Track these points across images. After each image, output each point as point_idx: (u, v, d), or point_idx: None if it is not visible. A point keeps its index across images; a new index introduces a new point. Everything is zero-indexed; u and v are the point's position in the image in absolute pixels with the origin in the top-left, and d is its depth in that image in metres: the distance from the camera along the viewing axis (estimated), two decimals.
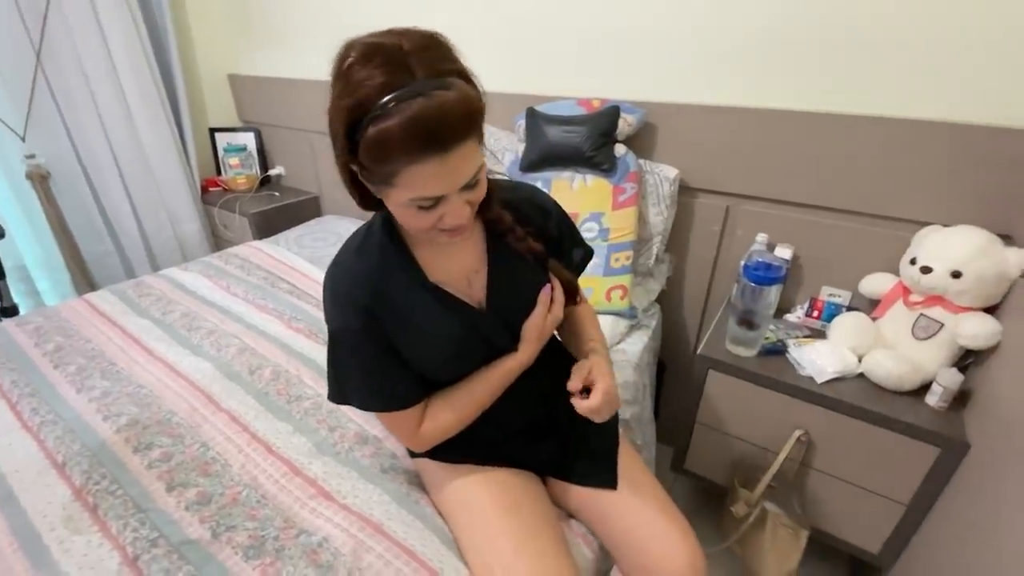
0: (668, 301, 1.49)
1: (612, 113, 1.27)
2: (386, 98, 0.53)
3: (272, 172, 2.45)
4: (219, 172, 2.44)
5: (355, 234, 0.78)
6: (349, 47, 0.57)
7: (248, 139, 2.40)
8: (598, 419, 0.74)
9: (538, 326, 0.78)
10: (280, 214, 2.23)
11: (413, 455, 0.95)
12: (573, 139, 1.29)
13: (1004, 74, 0.96)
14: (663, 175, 1.30)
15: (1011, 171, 0.98)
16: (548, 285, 0.80)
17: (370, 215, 0.76)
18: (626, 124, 1.28)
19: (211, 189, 2.37)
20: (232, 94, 2.42)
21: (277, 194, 2.34)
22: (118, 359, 1.22)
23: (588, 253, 0.92)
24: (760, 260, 1.10)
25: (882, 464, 1.02)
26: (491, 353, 0.79)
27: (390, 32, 0.57)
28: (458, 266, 0.77)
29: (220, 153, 2.40)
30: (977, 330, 0.94)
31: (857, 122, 1.10)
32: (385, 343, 0.73)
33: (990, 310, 0.97)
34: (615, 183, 1.28)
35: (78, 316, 1.39)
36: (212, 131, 2.38)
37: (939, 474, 0.95)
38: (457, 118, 0.55)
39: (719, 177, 1.31)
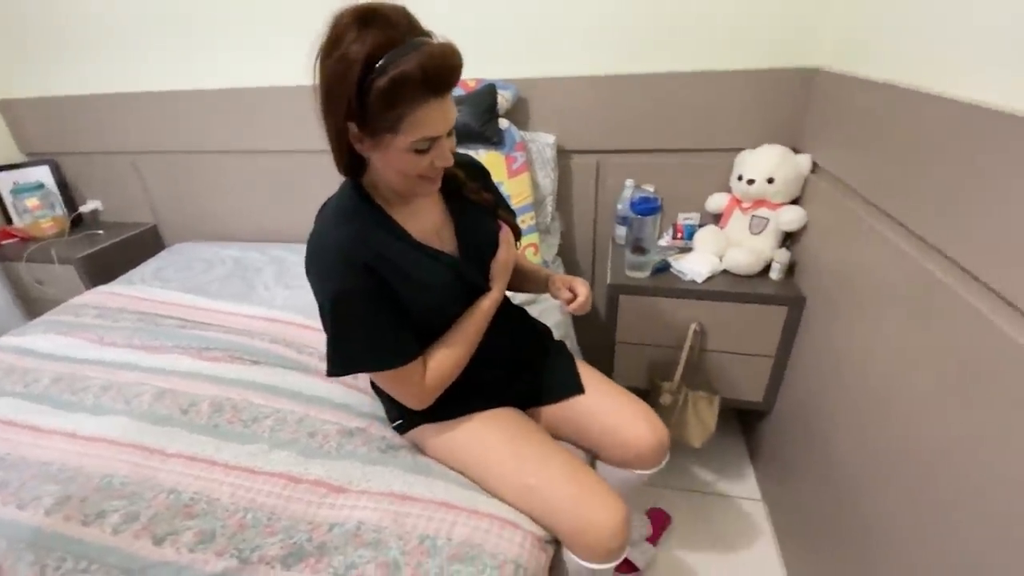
0: (565, 252, 1.70)
1: (489, 91, 1.40)
2: (395, 49, 0.61)
3: (85, 208, 2.07)
4: (8, 220, 1.99)
5: (325, 208, 0.82)
6: (340, 17, 0.63)
7: (42, 174, 1.99)
8: (586, 310, 0.95)
9: (504, 262, 0.91)
10: (113, 253, 1.92)
11: (403, 431, 0.99)
12: (459, 118, 1.38)
13: (764, 32, 1.32)
14: (543, 142, 1.48)
15: (789, 101, 1.35)
16: (505, 227, 0.91)
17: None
18: (504, 99, 1.42)
19: (3, 242, 1.93)
20: (5, 123, 1.97)
21: (101, 232, 2.00)
22: None
23: (514, 213, 1.05)
24: (641, 196, 1.34)
25: (753, 331, 1.34)
26: (471, 294, 0.89)
27: (369, 4, 0.64)
28: (429, 223, 0.85)
29: (5, 197, 1.96)
30: (792, 217, 1.29)
31: (681, 78, 1.39)
32: (386, 300, 0.77)
33: (796, 202, 1.34)
34: (506, 153, 1.42)
35: None
36: None
37: (790, 326, 1.30)
38: (458, 64, 0.65)
39: (587, 138, 1.53)
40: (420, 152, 0.69)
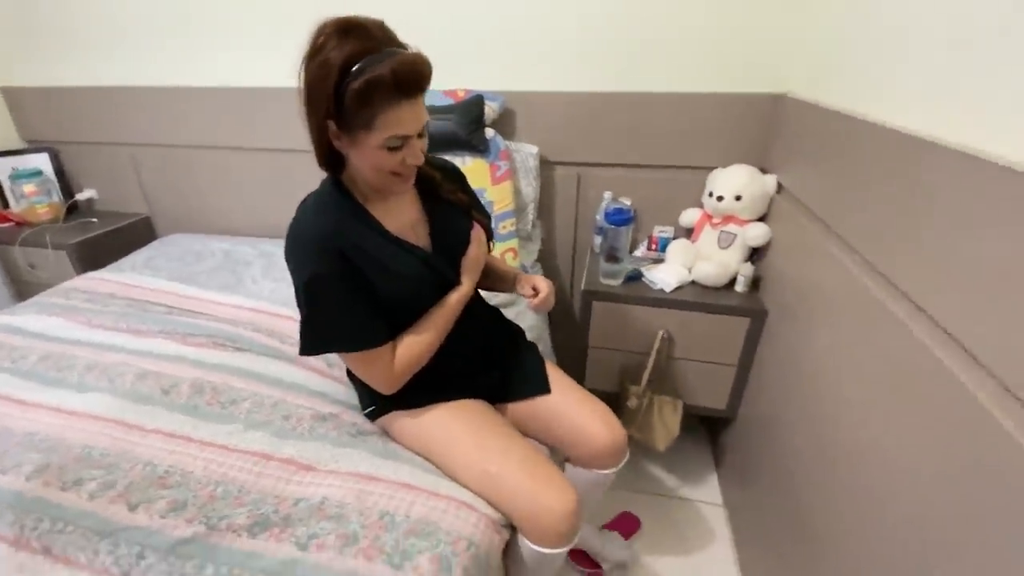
0: (545, 258, 1.76)
1: (478, 101, 1.47)
2: (370, 56, 0.68)
3: (81, 196, 2.12)
4: (4, 204, 2.04)
5: (306, 200, 0.88)
6: (323, 27, 0.71)
7: (41, 161, 2.04)
8: (547, 307, 1.01)
9: (475, 259, 0.97)
10: (106, 242, 1.97)
11: (374, 417, 1.04)
12: (448, 126, 1.46)
13: (739, 58, 1.40)
14: (527, 152, 1.55)
15: (758, 123, 1.43)
16: (477, 227, 0.98)
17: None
18: (491, 110, 1.49)
19: None
20: (7, 110, 2.03)
21: (95, 220, 2.05)
22: None
23: (488, 216, 1.11)
24: (615, 207, 1.41)
25: (717, 340, 1.41)
26: (442, 286, 0.95)
27: (349, 17, 0.71)
28: (405, 219, 0.91)
29: (3, 182, 2.00)
30: (757, 233, 1.36)
31: (660, 98, 1.47)
32: (359, 287, 0.83)
33: (763, 220, 1.41)
34: (490, 161, 1.49)
35: None
36: None
37: (752, 336, 1.36)
38: (427, 71, 0.73)
39: (570, 150, 1.60)
40: (392, 149, 0.76)
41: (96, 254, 1.90)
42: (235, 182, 1.94)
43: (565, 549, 0.89)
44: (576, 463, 1.07)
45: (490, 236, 1.05)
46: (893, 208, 0.82)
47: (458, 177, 1.03)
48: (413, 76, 0.71)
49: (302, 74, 0.73)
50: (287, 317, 1.41)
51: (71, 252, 1.85)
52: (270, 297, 1.52)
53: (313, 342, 0.85)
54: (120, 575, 0.74)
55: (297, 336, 1.29)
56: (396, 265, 0.87)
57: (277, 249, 1.82)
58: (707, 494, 1.58)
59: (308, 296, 0.81)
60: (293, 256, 0.82)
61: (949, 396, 0.63)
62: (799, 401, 1.11)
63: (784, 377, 1.21)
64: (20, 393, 1.11)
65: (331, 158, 0.82)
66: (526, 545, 0.90)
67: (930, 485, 0.66)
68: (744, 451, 1.45)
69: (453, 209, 0.99)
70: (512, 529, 0.92)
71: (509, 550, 0.92)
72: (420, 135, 0.79)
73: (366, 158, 0.78)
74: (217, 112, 1.82)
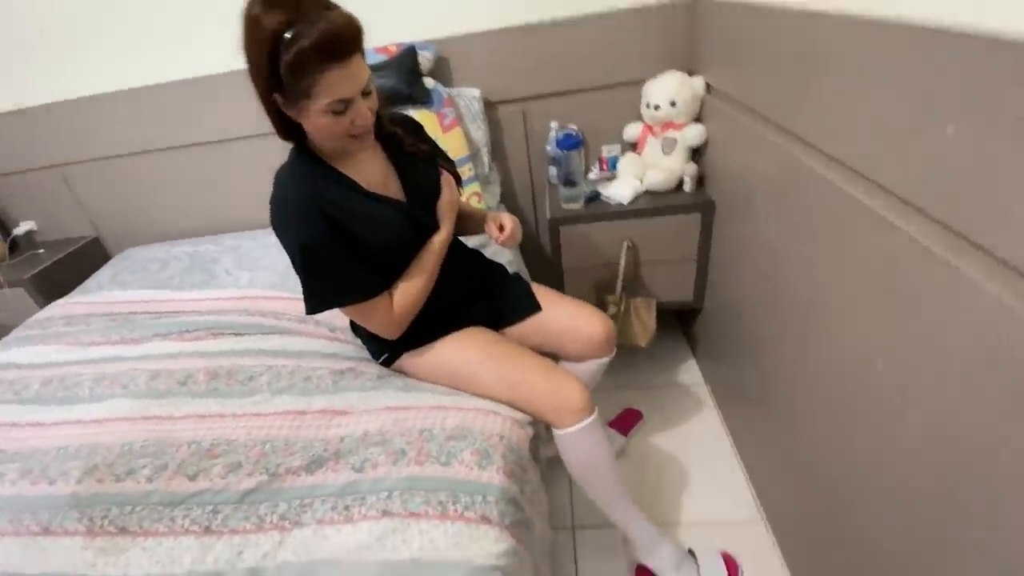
0: (507, 198, 1.84)
1: (411, 53, 1.50)
2: (296, 26, 0.70)
3: (19, 231, 2.03)
4: None
5: (279, 172, 0.91)
6: (251, 4, 0.72)
7: None
8: (515, 241, 1.07)
9: (448, 202, 1.03)
10: (62, 269, 1.93)
11: (389, 363, 1.13)
12: (387, 82, 1.48)
13: None
14: (469, 96, 1.60)
15: (677, 30, 1.53)
16: (445, 173, 1.04)
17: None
18: (425, 60, 1.52)
19: None
20: None
21: (41, 251, 1.98)
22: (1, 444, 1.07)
23: (451, 162, 1.18)
24: (564, 133, 1.49)
25: (676, 239, 1.54)
26: (422, 234, 1.01)
27: None
28: (375, 175, 0.96)
29: None
30: (695, 133, 1.48)
31: (581, 21, 1.54)
32: (347, 243, 0.89)
33: (698, 120, 1.53)
34: (436, 111, 1.53)
35: None
36: None
37: (706, 228, 1.51)
38: (351, 33, 0.74)
39: (509, 88, 1.66)
40: (337, 114, 0.78)
41: (53, 284, 1.86)
42: (179, 183, 1.90)
43: (589, 420, 1.00)
44: (571, 358, 1.19)
45: (458, 180, 1.12)
46: (802, 78, 0.92)
47: (416, 128, 1.08)
48: (339, 41, 0.72)
49: (244, 55, 0.75)
50: (273, 298, 1.45)
51: (28, 286, 1.80)
52: (249, 285, 1.55)
53: (317, 301, 0.91)
54: (201, 531, 0.82)
55: (290, 312, 1.37)
56: (375, 218, 0.92)
57: (242, 241, 1.82)
58: (690, 377, 1.76)
59: (303, 260, 0.87)
60: (280, 226, 0.87)
61: (875, 234, 0.71)
62: (752, 281, 1.24)
63: (738, 262, 1.35)
64: (34, 417, 1.14)
65: (289, 128, 0.84)
66: (557, 435, 1.02)
67: (867, 323, 0.76)
68: (716, 333, 1.62)
69: (419, 160, 1.04)
70: (532, 426, 1.04)
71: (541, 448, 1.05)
72: (366, 94, 0.81)
73: (315, 125, 0.81)
74: (143, 113, 1.76)
